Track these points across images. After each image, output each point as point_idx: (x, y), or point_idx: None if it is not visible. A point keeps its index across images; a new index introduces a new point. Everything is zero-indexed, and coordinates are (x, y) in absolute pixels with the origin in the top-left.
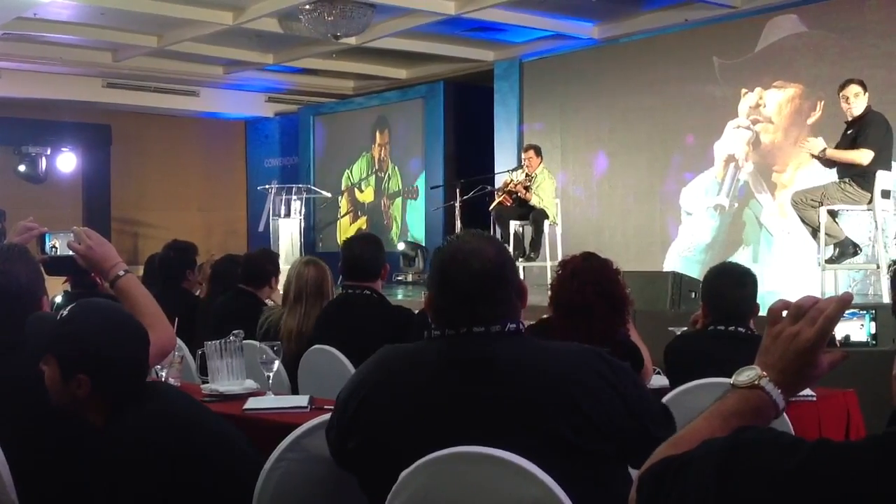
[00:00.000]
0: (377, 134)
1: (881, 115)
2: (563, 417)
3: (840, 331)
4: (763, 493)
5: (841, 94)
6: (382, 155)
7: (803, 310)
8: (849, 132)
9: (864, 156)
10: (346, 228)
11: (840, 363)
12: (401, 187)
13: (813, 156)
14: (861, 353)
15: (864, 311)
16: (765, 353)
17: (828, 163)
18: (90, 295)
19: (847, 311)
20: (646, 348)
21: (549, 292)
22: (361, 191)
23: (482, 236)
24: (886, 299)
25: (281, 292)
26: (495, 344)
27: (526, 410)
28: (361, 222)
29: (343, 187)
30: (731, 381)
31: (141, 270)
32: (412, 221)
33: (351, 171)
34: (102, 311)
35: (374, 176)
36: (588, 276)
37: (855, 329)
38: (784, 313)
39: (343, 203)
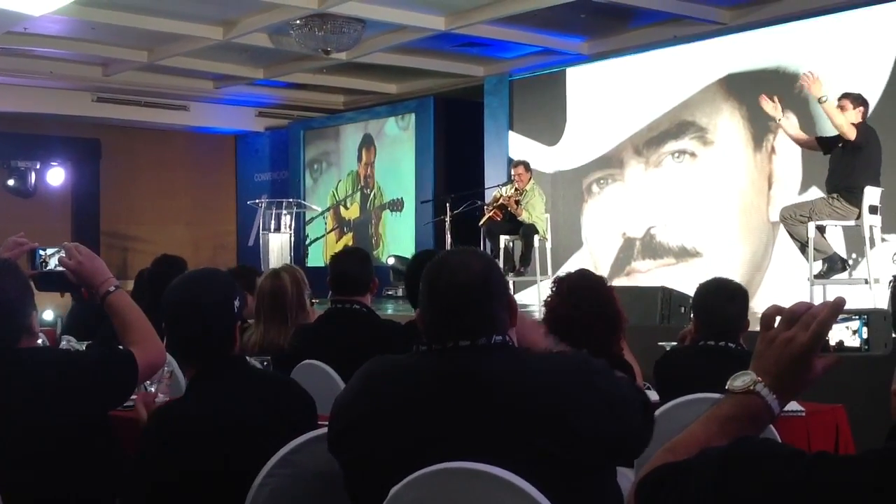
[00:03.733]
0: (363, 152)
1: (871, 130)
2: (549, 430)
3: (833, 336)
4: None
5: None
6: (368, 172)
7: (797, 315)
8: (840, 144)
9: (851, 131)
10: (332, 245)
11: (834, 368)
12: (385, 202)
13: (817, 97)
14: (854, 358)
15: (857, 317)
16: (759, 358)
17: (810, 144)
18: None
19: (839, 317)
20: (637, 365)
21: (544, 309)
22: (347, 208)
23: (470, 251)
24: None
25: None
26: (481, 357)
27: (512, 424)
28: (347, 239)
29: (328, 204)
30: (720, 395)
31: (130, 285)
32: (399, 237)
33: (336, 190)
34: (191, 282)
35: (359, 192)
36: (584, 293)
37: (847, 334)
38: (777, 319)
39: (328, 220)
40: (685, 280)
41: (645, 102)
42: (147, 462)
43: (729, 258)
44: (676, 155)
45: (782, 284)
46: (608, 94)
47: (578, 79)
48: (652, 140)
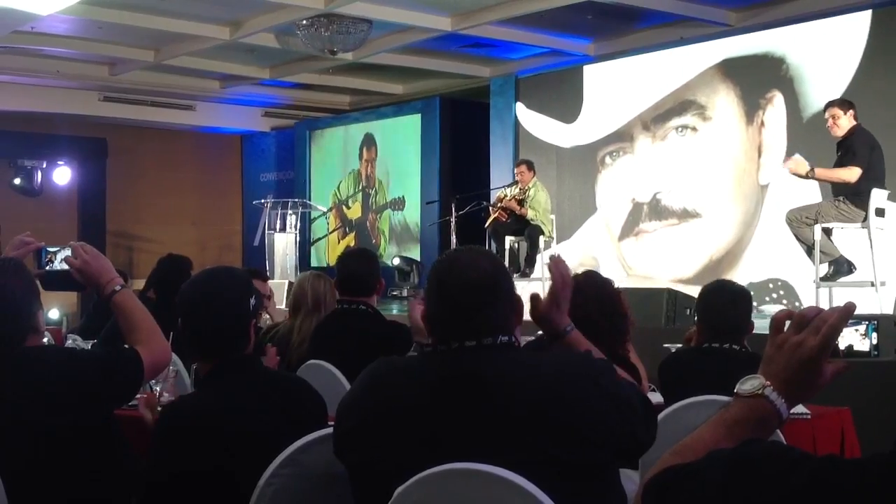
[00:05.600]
0: (364, 151)
1: (867, 133)
2: (554, 431)
3: (842, 341)
4: None
5: (825, 117)
6: (369, 171)
7: (807, 319)
8: (838, 153)
9: (851, 173)
10: (335, 245)
11: (843, 373)
12: (388, 201)
13: (800, 176)
14: (862, 363)
15: (866, 322)
16: (768, 362)
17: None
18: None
19: (849, 321)
20: (643, 367)
21: None
22: (349, 207)
23: (479, 250)
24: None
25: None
26: (486, 358)
27: (517, 425)
28: (350, 239)
29: (331, 203)
30: (725, 397)
31: (136, 284)
32: (401, 235)
33: (338, 189)
34: (208, 278)
35: (361, 192)
36: (590, 293)
37: (857, 339)
38: (787, 323)
39: (331, 219)
40: (686, 238)
41: (652, 85)
42: (158, 457)
43: (724, 218)
44: (679, 129)
45: (770, 241)
46: (620, 80)
47: (594, 70)
48: (658, 117)
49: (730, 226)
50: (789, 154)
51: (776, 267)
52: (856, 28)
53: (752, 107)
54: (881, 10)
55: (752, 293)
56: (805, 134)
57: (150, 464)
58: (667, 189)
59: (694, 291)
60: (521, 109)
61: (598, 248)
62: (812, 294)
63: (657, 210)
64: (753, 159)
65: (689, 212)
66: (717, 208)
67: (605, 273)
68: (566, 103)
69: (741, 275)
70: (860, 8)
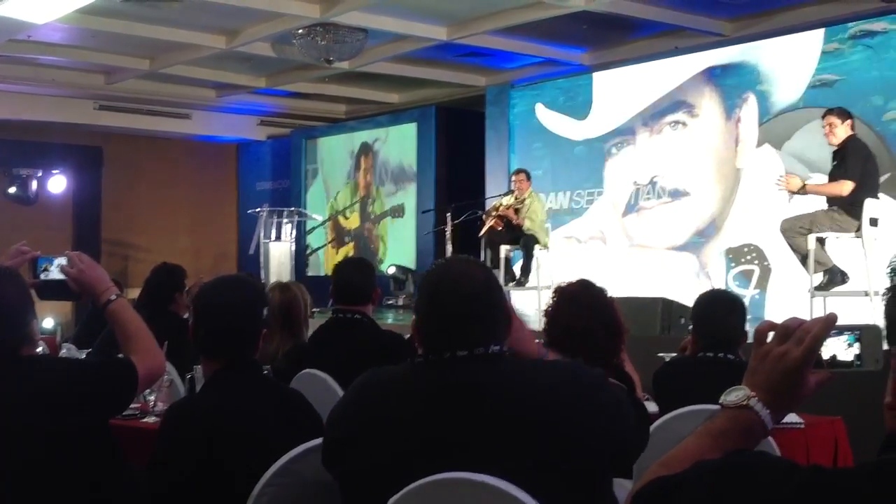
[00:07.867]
0: (361, 160)
1: (861, 144)
2: (546, 439)
3: (826, 351)
4: None
5: (822, 125)
6: (367, 180)
7: (790, 330)
8: (834, 162)
9: (844, 187)
10: (332, 255)
11: (826, 383)
12: (385, 208)
13: (793, 192)
14: (846, 373)
15: (850, 332)
16: (752, 373)
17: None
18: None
19: (832, 332)
20: (637, 376)
21: (544, 318)
22: (346, 217)
23: (469, 260)
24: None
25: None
26: (478, 367)
27: (509, 434)
28: (348, 248)
29: (328, 214)
30: (718, 407)
31: (131, 293)
32: (400, 242)
33: (335, 200)
34: (226, 282)
35: (359, 203)
36: (585, 303)
37: (841, 349)
38: (770, 334)
39: (328, 229)
40: (678, 212)
41: (650, 88)
42: (164, 455)
43: (707, 196)
44: (673, 125)
45: (745, 214)
46: (624, 84)
47: (602, 76)
48: (655, 114)
49: (712, 202)
50: (760, 142)
51: (750, 235)
52: (811, 42)
53: (730, 105)
54: (831, 29)
55: (745, 303)
56: (772, 127)
57: (156, 462)
58: (662, 173)
59: (685, 258)
60: (540, 108)
61: (605, 223)
62: (806, 304)
63: (654, 191)
64: (731, 148)
65: (680, 191)
66: (703, 188)
67: (611, 243)
68: (578, 104)
69: (722, 241)
70: (815, 26)
